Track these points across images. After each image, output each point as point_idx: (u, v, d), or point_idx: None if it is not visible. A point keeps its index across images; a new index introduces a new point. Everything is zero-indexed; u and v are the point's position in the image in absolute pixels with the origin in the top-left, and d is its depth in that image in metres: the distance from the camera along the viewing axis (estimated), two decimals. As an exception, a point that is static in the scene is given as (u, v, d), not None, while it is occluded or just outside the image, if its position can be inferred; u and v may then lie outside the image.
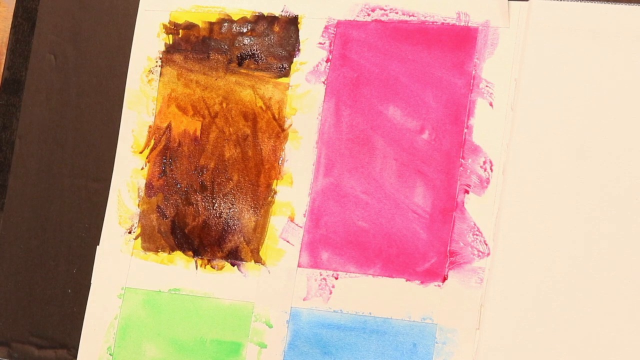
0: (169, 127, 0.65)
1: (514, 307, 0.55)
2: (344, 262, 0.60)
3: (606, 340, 0.54)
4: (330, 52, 0.62)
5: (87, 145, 0.66)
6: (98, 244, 0.65)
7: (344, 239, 0.60)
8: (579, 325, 0.54)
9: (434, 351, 0.57)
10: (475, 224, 0.58)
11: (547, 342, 0.54)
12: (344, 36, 0.62)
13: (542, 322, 0.55)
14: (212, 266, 0.62)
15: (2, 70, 0.68)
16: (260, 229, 0.62)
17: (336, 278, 0.59)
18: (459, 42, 0.60)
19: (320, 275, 0.60)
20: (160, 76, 0.65)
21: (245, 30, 0.64)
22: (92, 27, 0.67)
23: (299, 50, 0.63)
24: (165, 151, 0.64)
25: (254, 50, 0.64)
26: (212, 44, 0.65)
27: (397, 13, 0.62)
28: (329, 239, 0.60)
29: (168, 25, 0.66)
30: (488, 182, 0.58)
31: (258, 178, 0.62)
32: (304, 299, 0.60)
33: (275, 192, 0.62)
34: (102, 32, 0.67)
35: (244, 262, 0.62)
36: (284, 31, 0.64)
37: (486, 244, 0.57)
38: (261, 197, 0.62)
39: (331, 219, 0.60)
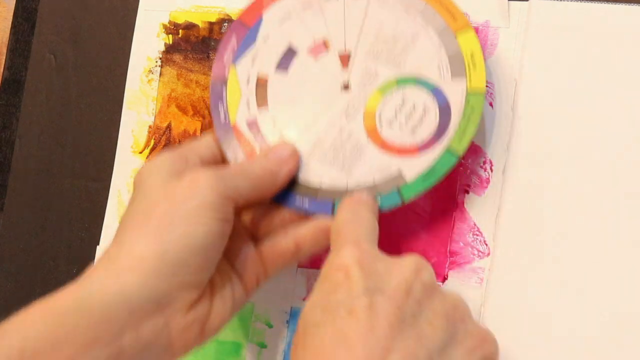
0: (169, 127, 0.65)
1: (514, 307, 0.55)
2: (344, 262, 0.59)
3: (607, 340, 0.54)
4: (330, 52, 0.62)
5: (87, 145, 0.66)
6: (98, 244, 0.64)
7: (344, 239, 0.60)
8: (580, 325, 0.54)
9: (434, 351, 0.57)
10: (475, 224, 0.58)
11: (547, 342, 0.54)
12: (344, 36, 0.62)
13: (542, 322, 0.55)
14: (212, 266, 0.62)
15: (2, 70, 0.68)
16: (260, 229, 0.62)
17: (336, 278, 0.59)
18: (459, 42, 0.60)
19: (320, 275, 0.60)
20: (160, 76, 0.65)
21: (245, 30, 0.64)
22: (92, 27, 0.68)
23: (299, 50, 0.63)
24: (165, 151, 0.64)
25: (254, 50, 0.64)
26: (212, 44, 0.65)
27: (397, 13, 0.62)
28: (329, 239, 0.60)
29: (168, 25, 0.66)
30: (488, 182, 0.58)
31: (258, 178, 0.62)
32: (303, 299, 0.60)
33: (275, 192, 0.62)
34: (102, 32, 0.67)
35: (244, 262, 0.61)
36: (284, 31, 0.64)
37: (486, 244, 0.57)
38: (261, 197, 0.62)
39: (331, 219, 0.60)
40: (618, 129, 0.56)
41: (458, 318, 0.47)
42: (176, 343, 0.50)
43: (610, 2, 0.57)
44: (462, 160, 0.58)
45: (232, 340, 0.61)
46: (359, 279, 0.46)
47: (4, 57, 0.68)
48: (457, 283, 0.57)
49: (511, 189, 0.57)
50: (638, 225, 0.54)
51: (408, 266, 0.47)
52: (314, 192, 0.55)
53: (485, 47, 0.59)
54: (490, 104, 0.59)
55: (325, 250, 0.53)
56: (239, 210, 0.53)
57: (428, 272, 0.48)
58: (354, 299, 0.45)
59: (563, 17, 0.58)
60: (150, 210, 0.50)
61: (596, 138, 0.56)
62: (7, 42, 0.68)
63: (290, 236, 0.55)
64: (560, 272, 0.55)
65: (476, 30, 0.57)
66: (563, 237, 0.55)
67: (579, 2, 0.58)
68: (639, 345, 0.53)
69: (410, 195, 0.55)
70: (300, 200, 0.55)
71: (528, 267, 0.55)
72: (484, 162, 0.58)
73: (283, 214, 0.56)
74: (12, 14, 0.68)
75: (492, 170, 0.58)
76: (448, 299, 0.48)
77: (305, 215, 0.55)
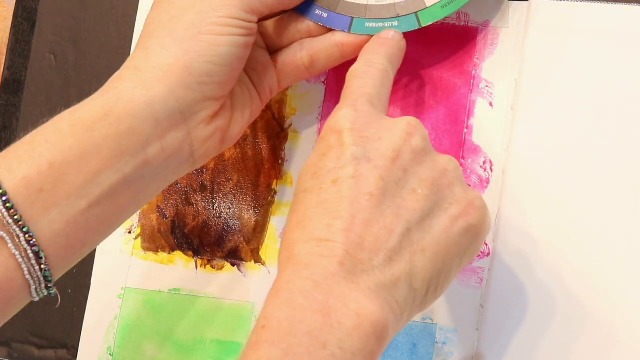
0: (169, 127, 0.65)
1: (513, 307, 0.55)
2: (344, 262, 0.59)
3: (606, 341, 0.54)
4: (330, 52, 0.62)
5: (87, 145, 0.66)
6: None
7: (344, 239, 0.60)
8: (579, 325, 0.54)
9: (433, 351, 0.57)
10: (475, 224, 0.58)
11: (547, 343, 0.54)
12: (344, 36, 0.62)
13: (542, 322, 0.55)
14: (212, 266, 0.62)
15: (2, 70, 0.68)
16: (260, 229, 0.62)
17: (336, 278, 0.59)
18: (459, 42, 0.60)
19: (320, 275, 0.60)
20: (160, 76, 0.65)
21: (245, 30, 0.64)
22: (92, 27, 0.68)
23: (299, 50, 0.63)
24: (165, 151, 0.64)
25: (254, 50, 0.64)
26: (212, 44, 0.65)
27: (397, 13, 0.62)
28: (329, 239, 0.60)
29: (168, 25, 0.66)
30: (488, 182, 0.58)
31: (258, 178, 0.62)
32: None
33: (275, 192, 0.62)
34: (102, 32, 0.67)
35: (244, 262, 0.62)
36: (284, 31, 0.64)
37: (486, 244, 0.57)
38: (261, 197, 0.62)
39: (331, 219, 0.60)
40: (618, 129, 0.56)
41: (445, 184, 0.47)
42: (198, 152, 0.52)
43: (610, 2, 0.57)
44: (462, 160, 0.58)
45: (232, 340, 0.61)
46: (348, 145, 0.46)
47: (4, 57, 0.68)
48: (456, 283, 0.57)
49: (511, 189, 0.57)
50: (639, 224, 0.54)
51: (398, 132, 0.47)
52: (333, 5, 0.56)
53: (485, 47, 0.59)
54: (490, 104, 0.59)
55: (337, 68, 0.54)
56: (260, 21, 0.54)
57: (420, 135, 0.48)
58: (341, 168, 0.46)
59: (563, 17, 0.58)
60: (176, 20, 0.51)
61: (596, 138, 0.56)
62: (7, 42, 0.68)
63: (305, 49, 0.56)
64: (560, 272, 0.55)
65: (476, 30, 0.57)
66: (563, 236, 0.55)
67: (579, 2, 0.58)
68: (638, 347, 0.53)
69: (428, 21, 0.55)
70: (319, 12, 0.56)
71: (528, 267, 0.55)
72: (484, 162, 0.58)
73: (300, 26, 0.56)
74: (12, 14, 0.68)
75: (492, 170, 0.58)
76: (438, 164, 0.47)
77: (321, 29, 0.56)
